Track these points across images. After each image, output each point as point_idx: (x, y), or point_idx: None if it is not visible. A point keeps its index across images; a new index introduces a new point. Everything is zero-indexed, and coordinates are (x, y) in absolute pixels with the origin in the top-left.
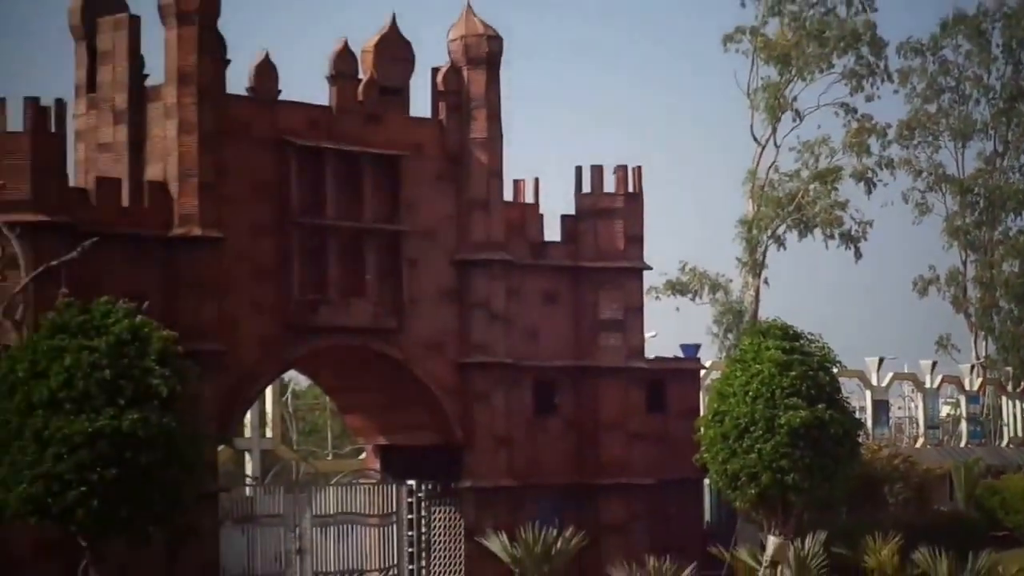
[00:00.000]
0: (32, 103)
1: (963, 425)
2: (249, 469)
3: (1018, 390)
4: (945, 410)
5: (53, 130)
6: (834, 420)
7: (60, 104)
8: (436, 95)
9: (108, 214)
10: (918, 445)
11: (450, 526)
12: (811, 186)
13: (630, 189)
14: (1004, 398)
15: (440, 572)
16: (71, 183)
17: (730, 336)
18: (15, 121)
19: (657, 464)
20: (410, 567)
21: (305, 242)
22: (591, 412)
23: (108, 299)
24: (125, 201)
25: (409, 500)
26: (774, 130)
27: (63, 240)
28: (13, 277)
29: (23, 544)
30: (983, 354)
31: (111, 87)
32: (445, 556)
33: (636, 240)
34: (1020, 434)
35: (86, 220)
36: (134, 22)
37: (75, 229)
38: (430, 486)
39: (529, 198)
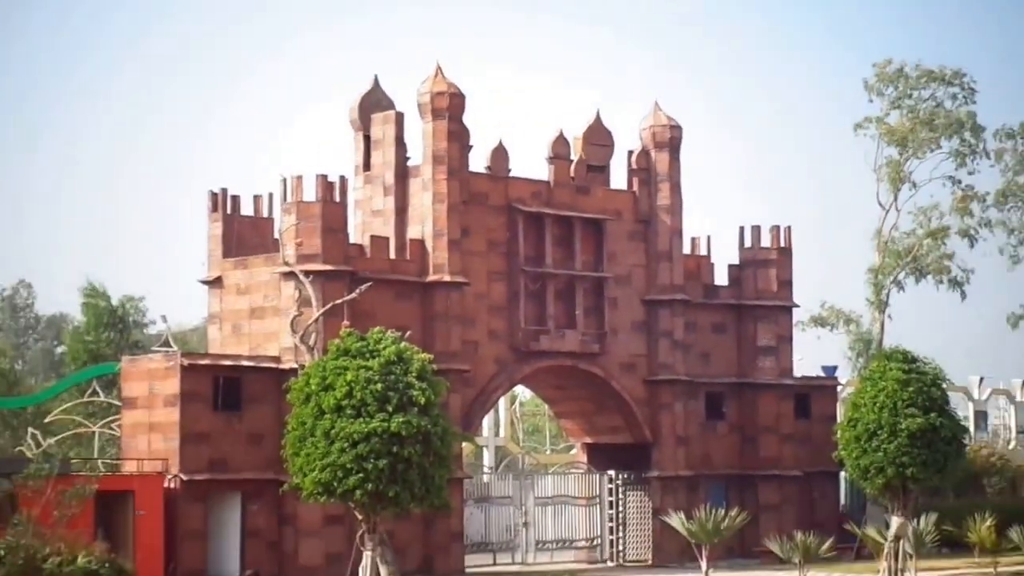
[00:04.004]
0: (322, 179)
1: None
2: (486, 460)
3: None
4: None
5: (338, 200)
6: (944, 426)
7: (343, 180)
8: (631, 172)
9: (379, 264)
10: (1011, 446)
11: (640, 507)
12: (924, 241)
13: (782, 244)
14: None
15: (633, 543)
16: (351, 240)
17: (861, 359)
18: (309, 193)
19: (803, 459)
20: (609, 538)
21: (529, 285)
22: (751, 418)
23: (380, 329)
24: (392, 254)
25: (609, 486)
26: (895, 197)
27: (345, 284)
28: (308, 312)
29: (315, 516)
30: None
31: (382, 167)
32: (636, 530)
33: (786, 284)
34: None
35: (363, 269)
36: (399, 117)
37: (354, 276)
38: (625, 475)
39: (703, 251)
